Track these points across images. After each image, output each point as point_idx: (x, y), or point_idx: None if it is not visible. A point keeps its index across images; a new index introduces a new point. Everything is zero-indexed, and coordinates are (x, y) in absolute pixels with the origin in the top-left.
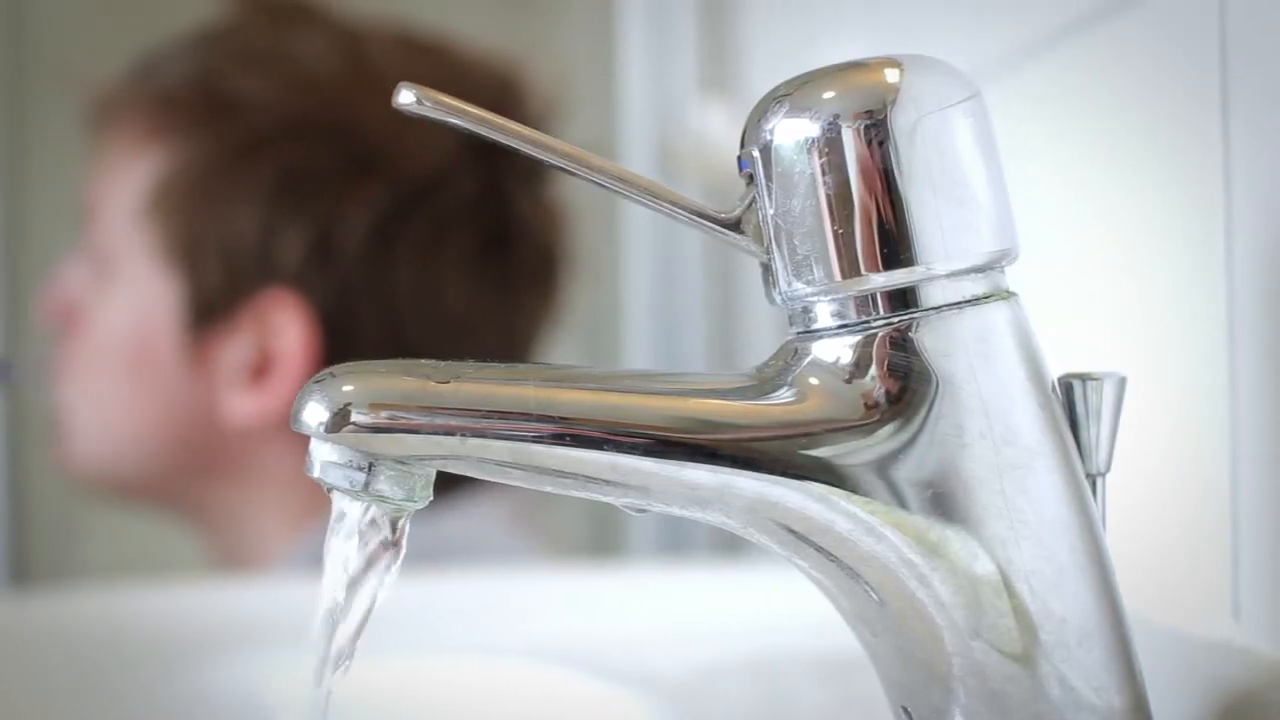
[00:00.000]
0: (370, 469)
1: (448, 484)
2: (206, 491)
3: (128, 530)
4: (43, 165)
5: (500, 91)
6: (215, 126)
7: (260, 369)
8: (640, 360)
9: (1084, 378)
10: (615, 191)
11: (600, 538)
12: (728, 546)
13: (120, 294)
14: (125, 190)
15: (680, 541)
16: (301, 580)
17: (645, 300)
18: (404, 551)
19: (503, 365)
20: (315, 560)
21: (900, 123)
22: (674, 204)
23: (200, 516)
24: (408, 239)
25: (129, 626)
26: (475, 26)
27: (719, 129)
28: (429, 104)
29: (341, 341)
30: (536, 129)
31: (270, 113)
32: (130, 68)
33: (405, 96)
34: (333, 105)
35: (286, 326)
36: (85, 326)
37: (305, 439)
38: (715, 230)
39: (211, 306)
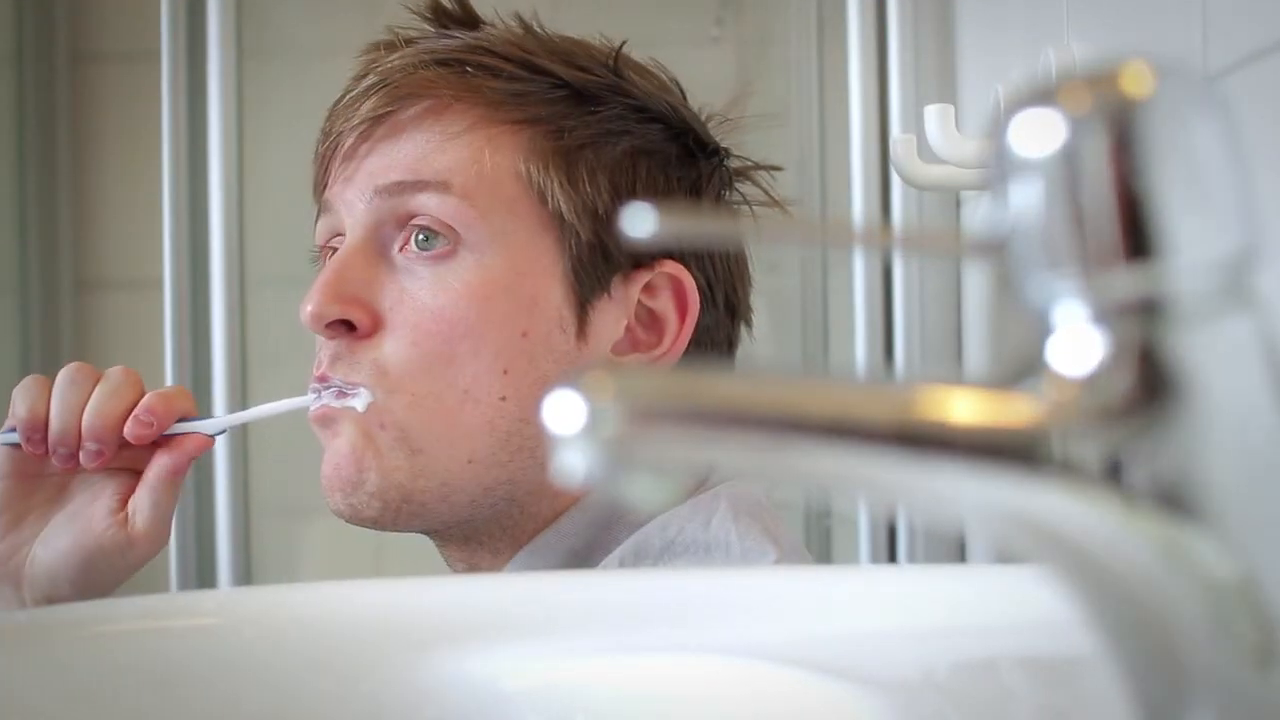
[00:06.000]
0: (629, 470)
1: None
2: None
3: (345, 538)
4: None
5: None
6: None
7: (637, 338)
8: (853, 343)
9: None
10: (887, 250)
11: (811, 538)
12: (939, 549)
13: (486, 273)
14: (489, 167)
15: (891, 543)
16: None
17: (859, 286)
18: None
19: (762, 370)
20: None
21: (1146, 125)
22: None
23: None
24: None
25: (365, 619)
26: (696, 42)
27: (938, 132)
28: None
29: (707, 303)
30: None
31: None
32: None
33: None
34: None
35: (666, 289)
36: (399, 327)
37: None
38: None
39: (588, 276)
